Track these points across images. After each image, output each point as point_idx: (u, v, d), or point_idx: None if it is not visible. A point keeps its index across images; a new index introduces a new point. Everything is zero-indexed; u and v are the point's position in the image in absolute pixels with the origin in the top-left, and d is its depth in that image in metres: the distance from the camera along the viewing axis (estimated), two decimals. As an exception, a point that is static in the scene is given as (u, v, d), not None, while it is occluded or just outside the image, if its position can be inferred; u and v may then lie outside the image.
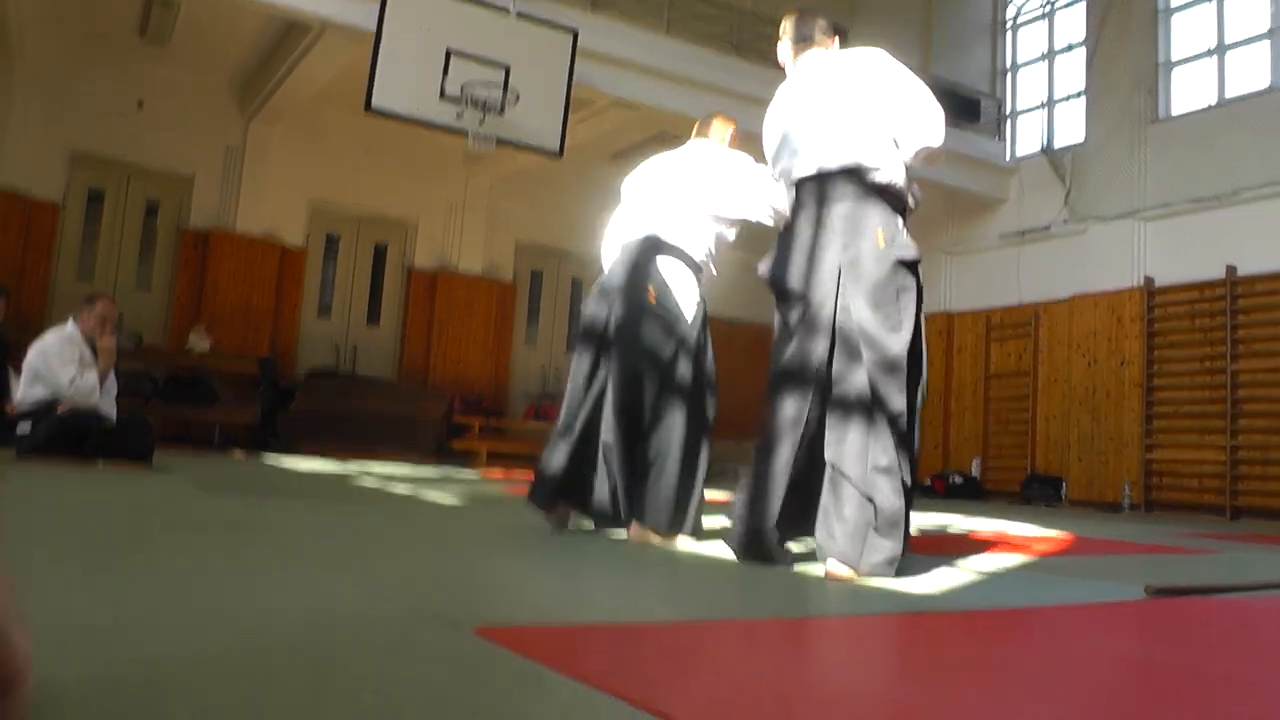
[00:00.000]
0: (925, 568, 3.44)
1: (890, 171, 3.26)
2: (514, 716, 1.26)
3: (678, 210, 4.08)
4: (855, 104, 3.38)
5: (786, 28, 3.75)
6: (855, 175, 3.25)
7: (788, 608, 2.61)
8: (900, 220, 3.29)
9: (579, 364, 4.13)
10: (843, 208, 3.23)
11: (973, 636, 2.28)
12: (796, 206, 3.41)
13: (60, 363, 6.48)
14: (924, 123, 3.37)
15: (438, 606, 2.03)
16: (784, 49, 3.75)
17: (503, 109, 9.47)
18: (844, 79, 3.47)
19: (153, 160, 12.49)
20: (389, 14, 9.02)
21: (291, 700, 1.25)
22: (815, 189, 3.33)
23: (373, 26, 9.03)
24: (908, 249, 3.20)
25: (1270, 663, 2.11)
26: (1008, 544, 4.89)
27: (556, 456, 3.94)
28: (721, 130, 4.39)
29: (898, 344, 3.11)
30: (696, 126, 4.41)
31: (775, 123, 3.64)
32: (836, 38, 3.72)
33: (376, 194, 13.81)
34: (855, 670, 1.80)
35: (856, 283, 3.14)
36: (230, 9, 10.10)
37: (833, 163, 3.29)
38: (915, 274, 3.22)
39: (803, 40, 3.69)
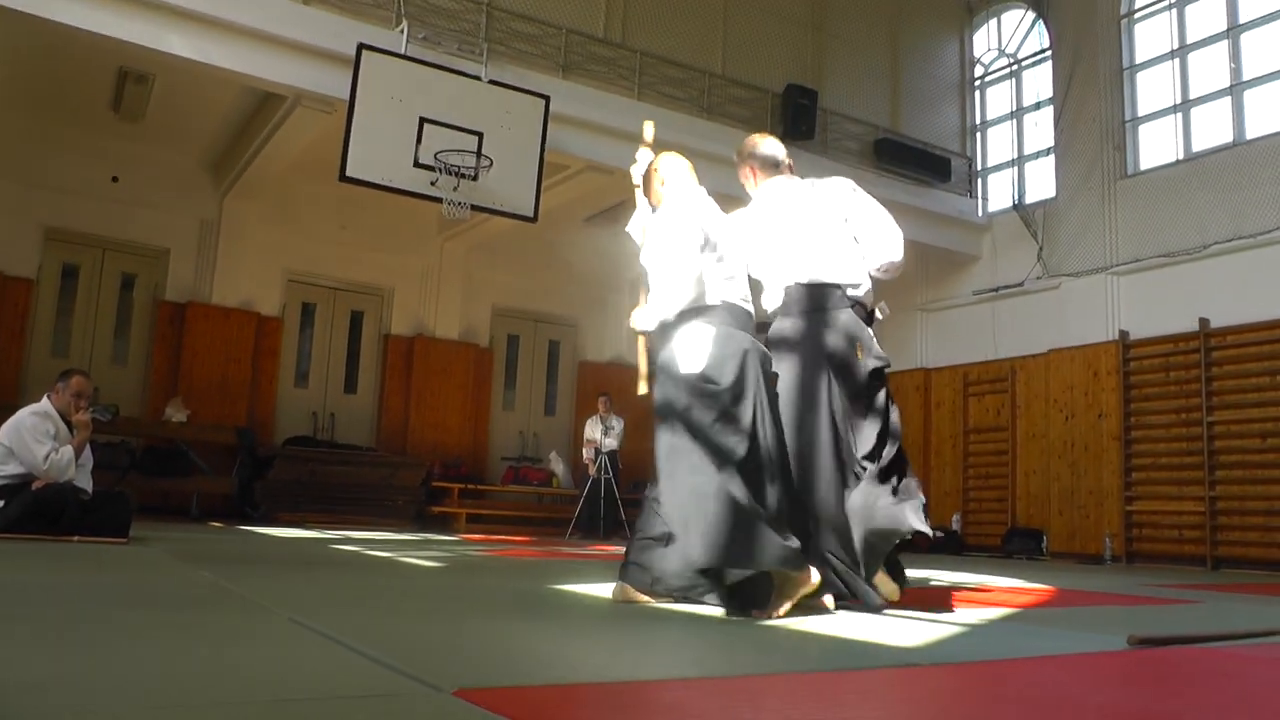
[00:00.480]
0: (909, 621, 3.44)
1: (865, 287, 4.06)
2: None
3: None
4: (836, 227, 4.08)
5: (751, 153, 4.26)
6: (840, 289, 3.97)
7: (769, 663, 2.60)
8: (869, 330, 4.01)
9: (779, 415, 3.78)
10: (834, 316, 3.92)
11: (957, 688, 2.27)
12: (787, 305, 4.00)
13: (34, 439, 6.42)
14: (889, 243, 4.16)
15: (417, 669, 2.01)
16: (747, 172, 4.08)
17: (476, 175, 9.54)
18: (823, 204, 4.12)
19: (127, 234, 12.49)
20: (361, 84, 9.09)
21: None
22: (806, 295, 3.96)
23: (345, 95, 9.10)
24: (880, 358, 3.94)
25: (1250, 710, 2.11)
26: (990, 597, 4.88)
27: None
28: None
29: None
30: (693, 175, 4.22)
31: (762, 227, 4.11)
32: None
33: (352, 262, 13.84)
34: (838, 726, 1.80)
35: (844, 381, 3.88)
36: (204, 82, 10.16)
37: (825, 276, 3.95)
38: (883, 374, 3.95)
39: (772, 166, 4.25)
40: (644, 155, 4.32)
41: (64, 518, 6.23)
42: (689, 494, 3.47)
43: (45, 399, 6.65)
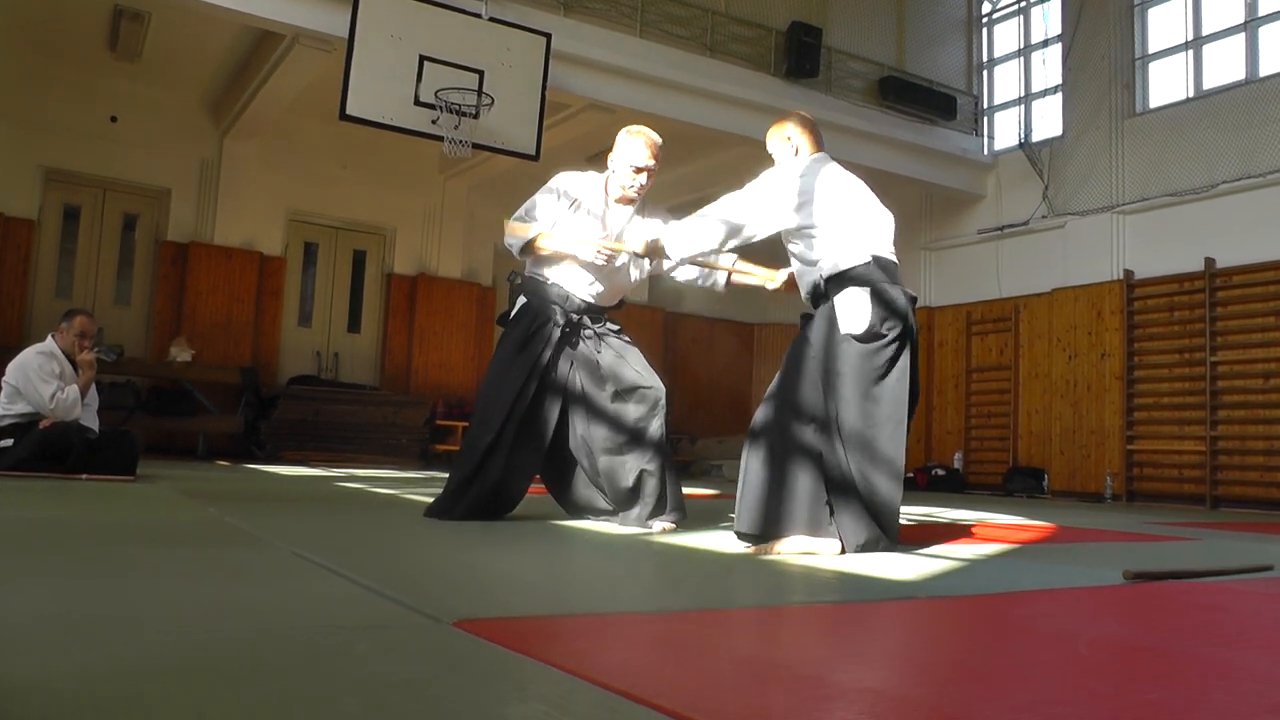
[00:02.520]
0: (907, 555, 3.47)
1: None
2: (494, 708, 1.27)
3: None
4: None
5: (812, 121, 4.08)
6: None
7: (770, 596, 2.63)
8: None
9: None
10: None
11: (952, 621, 2.30)
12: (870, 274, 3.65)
13: (40, 378, 6.44)
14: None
15: (417, 601, 2.04)
16: (805, 138, 3.98)
17: (478, 114, 9.47)
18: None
19: (128, 175, 12.43)
20: (360, 22, 8.99)
21: (271, 705, 1.26)
22: (892, 268, 3.71)
23: (344, 34, 9.01)
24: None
25: (1241, 643, 2.13)
26: (989, 534, 4.92)
27: None
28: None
29: None
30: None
31: (849, 191, 3.85)
32: None
33: (353, 202, 13.78)
34: (834, 656, 1.82)
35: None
36: (201, 21, 10.06)
37: (889, 251, 3.77)
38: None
39: (821, 143, 4.04)
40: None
41: (71, 456, 6.27)
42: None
43: (50, 339, 6.66)
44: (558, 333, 4.34)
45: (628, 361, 4.38)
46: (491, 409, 4.24)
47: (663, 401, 4.32)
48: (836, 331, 3.56)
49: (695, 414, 15.19)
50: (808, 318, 3.77)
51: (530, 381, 4.24)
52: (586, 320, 4.41)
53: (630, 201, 4.46)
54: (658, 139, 4.41)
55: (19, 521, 3.66)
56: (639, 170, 4.38)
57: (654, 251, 4.06)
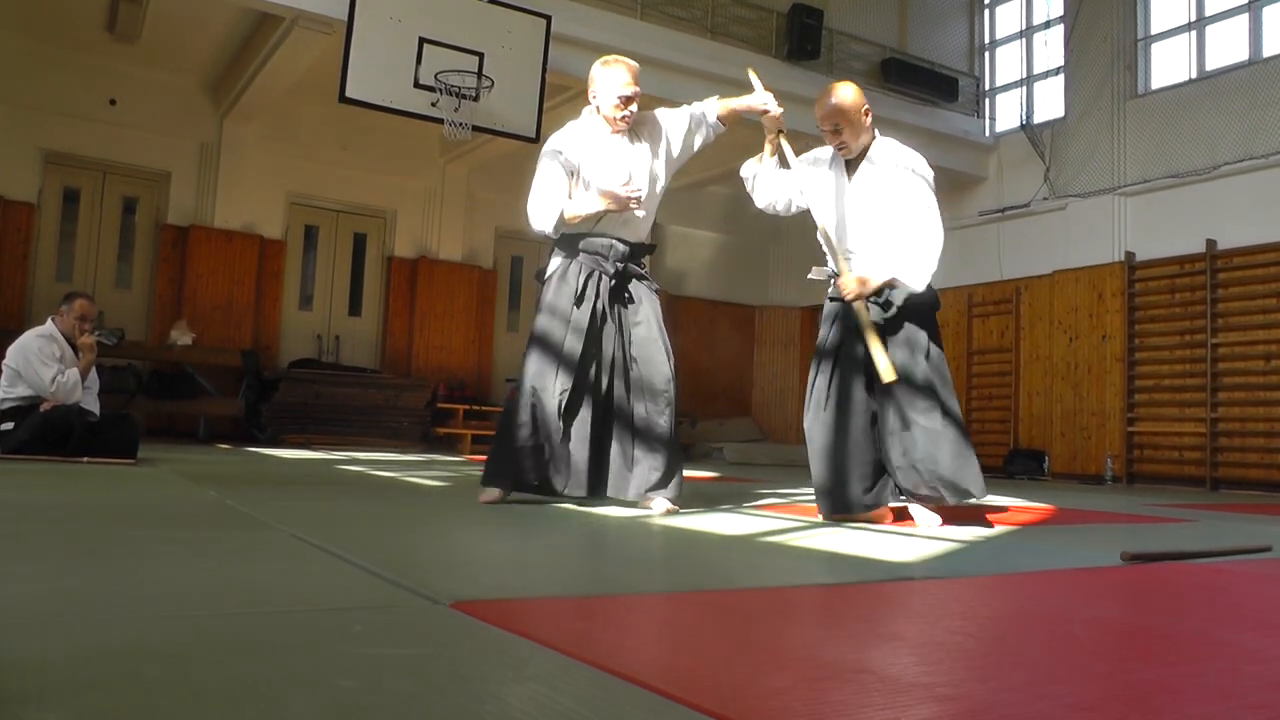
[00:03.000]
0: (905, 537, 3.48)
1: None
2: (490, 688, 1.27)
3: None
4: None
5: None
6: None
7: (767, 578, 2.64)
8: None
9: None
10: None
11: (949, 602, 2.31)
12: None
13: (41, 361, 6.45)
14: None
15: (415, 583, 2.05)
16: (869, 121, 4.16)
17: (477, 96, 9.46)
18: None
19: (127, 157, 12.42)
20: (360, 3, 8.97)
21: (268, 683, 1.26)
22: None
23: (344, 16, 8.99)
24: None
25: (1238, 623, 2.14)
26: (989, 515, 4.93)
27: None
28: None
29: None
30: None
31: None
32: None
33: (354, 185, 13.78)
34: (830, 637, 1.83)
35: None
36: (200, 2, 10.04)
37: None
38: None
39: None
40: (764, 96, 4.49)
41: (72, 439, 6.29)
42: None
43: (50, 322, 6.67)
44: (605, 285, 4.36)
45: (651, 332, 4.38)
46: (545, 372, 4.24)
47: (672, 386, 4.33)
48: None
49: (696, 397, 15.20)
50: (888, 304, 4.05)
51: (580, 341, 4.27)
52: (633, 267, 4.42)
53: (624, 131, 4.41)
54: (634, 64, 4.41)
55: (20, 504, 3.67)
56: (626, 100, 4.32)
57: (882, 286, 4.03)
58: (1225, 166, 10.96)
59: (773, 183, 4.46)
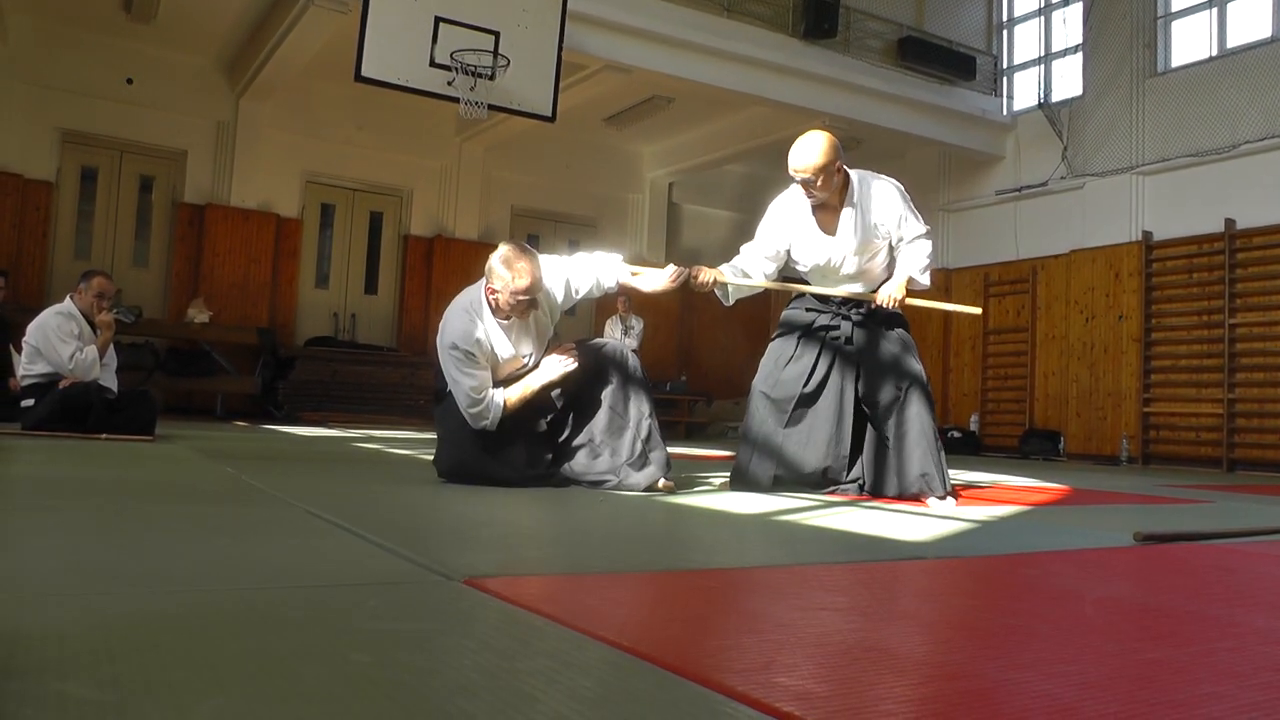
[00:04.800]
0: (921, 517, 3.48)
1: None
2: (502, 663, 1.29)
3: None
4: None
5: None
6: None
7: (779, 556, 2.64)
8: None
9: None
10: None
11: (961, 581, 2.31)
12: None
13: (60, 338, 6.50)
14: None
15: (429, 559, 2.06)
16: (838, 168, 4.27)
17: (493, 75, 9.44)
18: None
19: (144, 136, 12.47)
20: (376, -19, 8.97)
21: (282, 656, 1.28)
22: None
23: (360, -6, 8.98)
24: None
25: (1249, 604, 2.14)
26: (1003, 495, 4.93)
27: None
28: None
29: None
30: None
31: None
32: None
33: (370, 163, 13.80)
34: (841, 615, 1.83)
35: None
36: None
37: None
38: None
39: None
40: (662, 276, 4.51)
41: (91, 416, 6.33)
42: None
43: (68, 299, 6.71)
44: None
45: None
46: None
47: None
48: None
49: (711, 376, 15.20)
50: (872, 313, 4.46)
51: None
52: None
53: (526, 313, 4.22)
54: (538, 267, 4.12)
55: (40, 479, 3.70)
56: (526, 302, 4.13)
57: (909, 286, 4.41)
58: (1245, 145, 10.87)
59: (754, 270, 4.60)
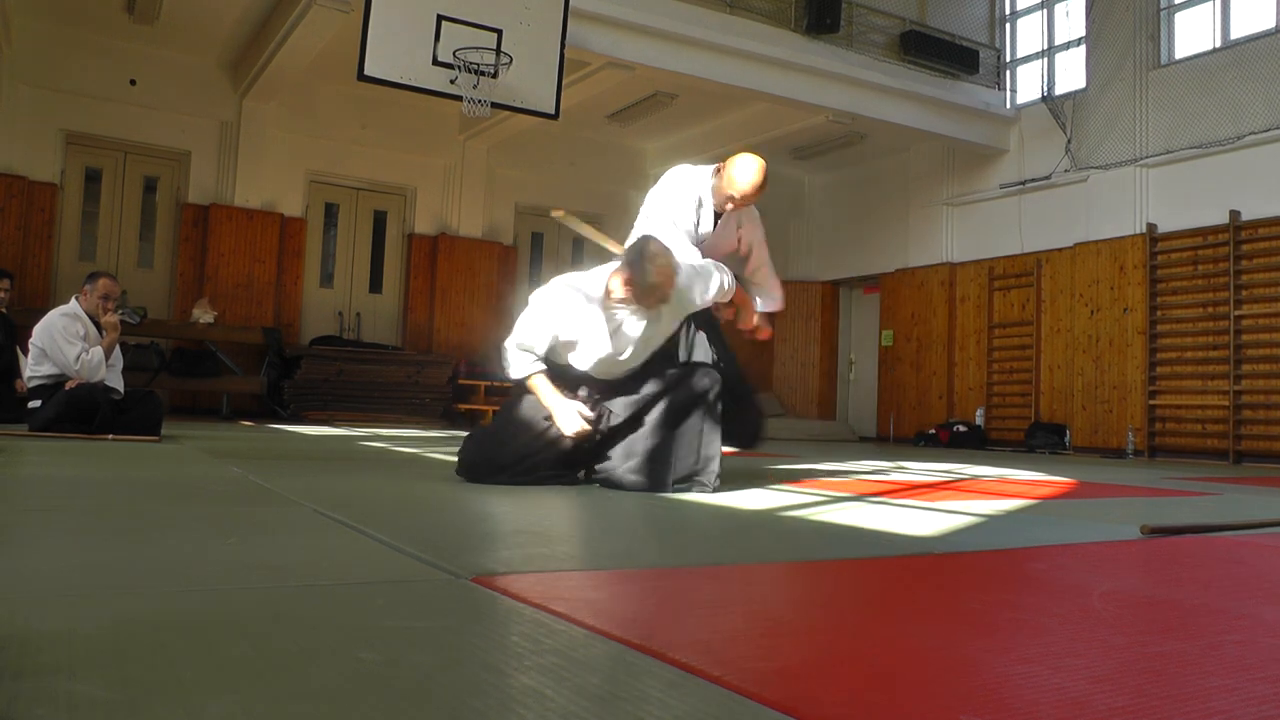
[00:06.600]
0: (926, 511, 3.48)
1: None
2: (509, 660, 1.29)
3: None
4: None
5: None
6: None
7: (786, 552, 2.64)
8: None
9: None
10: None
11: (968, 575, 2.31)
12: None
13: (65, 340, 6.51)
14: None
15: (437, 557, 2.07)
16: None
17: (496, 73, 9.44)
18: None
19: (148, 137, 12.49)
20: (378, -20, 8.97)
21: (291, 655, 1.28)
22: None
23: (362, -7, 8.99)
24: None
25: (1257, 596, 2.14)
26: (1009, 489, 4.93)
27: None
28: None
29: None
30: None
31: None
32: None
33: (373, 162, 13.81)
34: (848, 610, 1.84)
35: None
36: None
37: None
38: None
39: None
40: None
41: (97, 417, 6.34)
42: None
43: (74, 301, 6.73)
44: None
45: None
46: None
47: None
48: None
49: (716, 372, 15.19)
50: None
51: None
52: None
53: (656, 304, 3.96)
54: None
55: (48, 480, 3.71)
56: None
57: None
58: (1250, 137, 10.84)
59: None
